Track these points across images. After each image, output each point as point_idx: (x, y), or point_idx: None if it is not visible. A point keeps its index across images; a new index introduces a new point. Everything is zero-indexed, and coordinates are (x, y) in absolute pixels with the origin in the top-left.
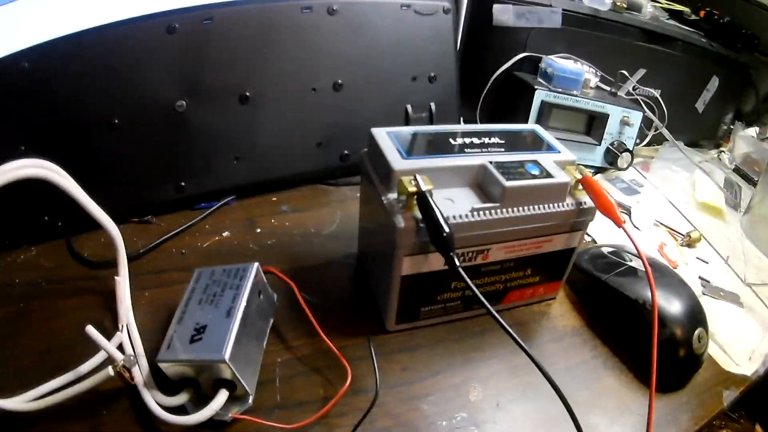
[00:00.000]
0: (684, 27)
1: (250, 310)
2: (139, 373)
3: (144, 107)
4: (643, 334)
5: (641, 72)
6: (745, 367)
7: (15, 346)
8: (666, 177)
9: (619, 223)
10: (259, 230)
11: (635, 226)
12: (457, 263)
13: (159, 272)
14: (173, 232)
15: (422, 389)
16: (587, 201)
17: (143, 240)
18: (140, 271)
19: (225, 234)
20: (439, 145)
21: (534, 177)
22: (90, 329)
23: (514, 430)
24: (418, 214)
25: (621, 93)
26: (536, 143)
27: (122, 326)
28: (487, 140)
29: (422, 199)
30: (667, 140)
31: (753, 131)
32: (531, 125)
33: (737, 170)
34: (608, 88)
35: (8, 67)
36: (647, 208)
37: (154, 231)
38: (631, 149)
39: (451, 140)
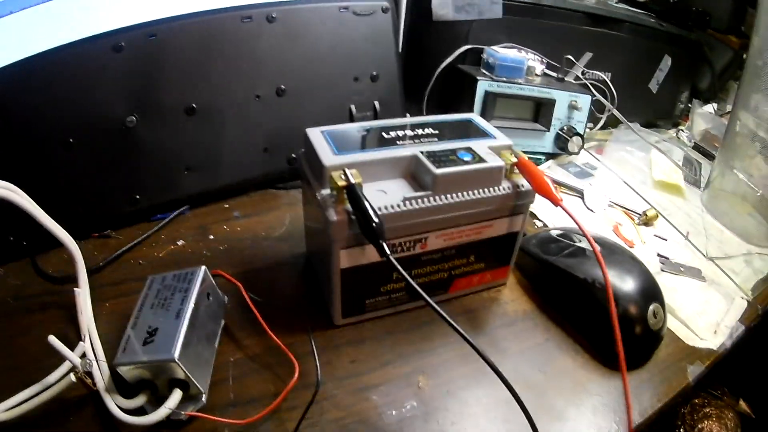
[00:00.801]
0: (632, 9)
1: (199, 311)
2: (101, 379)
3: (96, 125)
4: (595, 313)
5: (588, 56)
6: (711, 340)
7: None
8: (621, 159)
9: (556, 202)
10: (212, 237)
11: (589, 209)
12: (388, 252)
13: (118, 283)
14: (130, 245)
15: (371, 380)
16: (524, 184)
17: (103, 254)
18: (101, 283)
19: (179, 243)
20: (371, 140)
21: (466, 163)
22: (52, 339)
23: (465, 416)
24: (350, 207)
25: (569, 78)
26: (472, 131)
27: (84, 336)
28: (420, 131)
29: (351, 191)
30: (622, 123)
31: (711, 107)
32: (468, 114)
33: (697, 147)
34: (555, 75)
35: None
36: (601, 189)
37: (113, 244)
38: (581, 133)
39: (384, 134)
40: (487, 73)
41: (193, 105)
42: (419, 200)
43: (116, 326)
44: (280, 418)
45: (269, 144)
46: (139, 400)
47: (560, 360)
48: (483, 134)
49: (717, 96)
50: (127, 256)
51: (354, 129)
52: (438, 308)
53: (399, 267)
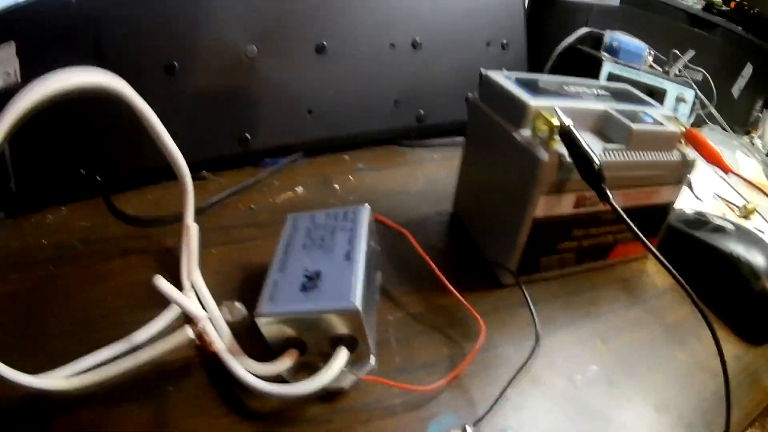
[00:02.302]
0: (717, 16)
1: (369, 257)
2: (218, 339)
3: (207, 49)
4: (739, 288)
5: (691, 53)
6: None
7: (43, 318)
8: None
9: (727, 170)
10: (337, 186)
11: (697, 197)
12: (610, 195)
13: (226, 229)
14: (239, 186)
15: (551, 344)
16: (689, 153)
17: (202, 196)
18: (203, 226)
19: (299, 190)
20: (556, 90)
21: (650, 124)
22: (159, 280)
23: (650, 382)
24: (560, 149)
25: (672, 72)
26: (635, 99)
27: (189, 284)
28: (596, 91)
29: (567, 133)
30: (707, 123)
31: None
32: (622, 84)
33: None
34: (659, 67)
35: (53, 3)
36: (706, 179)
37: (212, 188)
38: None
39: (565, 87)
40: (608, 55)
41: (324, 43)
42: (616, 152)
43: (227, 278)
44: (463, 386)
45: (400, 97)
46: (284, 363)
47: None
48: (646, 103)
49: None
50: (233, 200)
51: (536, 76)
52: (650, 246)
53: (620, 211)
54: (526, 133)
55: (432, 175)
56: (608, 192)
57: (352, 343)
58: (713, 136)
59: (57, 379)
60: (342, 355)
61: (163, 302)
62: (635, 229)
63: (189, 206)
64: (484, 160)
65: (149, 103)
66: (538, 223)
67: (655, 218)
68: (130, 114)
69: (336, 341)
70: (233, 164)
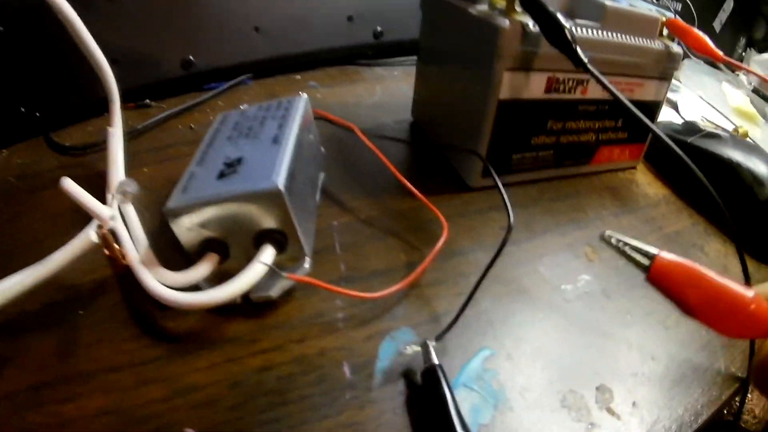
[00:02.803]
0: None
1: (302, 146)
2: (134, 250)
3: None
4: (741, 197)
5: None
6: None
7: None
8: (699, 82)
9: (718, 58)
10: None
11: (683, 118)
12: (585, 59)
13: (162, 148)
14: (179, 108)
15: (532, 250)
16: (673, 46)
17: (141, 122)
18: (138, 149)
19: (243, 107)
20: None
21: (628, 6)
22: (66, 181)
23: (654, 298)
24: (522, 19)
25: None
26: None
27: (111, 195)
28: None
29: None
30: (689, 56)
31: (766, 56)
32: None
33: (755, 91)
34: None
35: None
36: (692, 104)
37: (154, 114)
38: None
39: None
40: None
41: None
42: (589, 29)
43: (157, 194)
44: (423, 295)
45: (354, 12)
46: (201, 269)
47: (714, 242)
48: None
49: None
50: (173, 122)
51: None
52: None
53: (597, 73)
54: (482, 7)
55: (391, 88)
56: (581, 54)
57: (279, 239)
58: (698, 68)
59: None
60: (267, 253)
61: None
62: (618, 94)
63: (115, 112)
64: (441, 53)
65: (88, 25)
66: (505, 105)
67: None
68: (67, 45)
69: (261, 238)
70: (177, 90)
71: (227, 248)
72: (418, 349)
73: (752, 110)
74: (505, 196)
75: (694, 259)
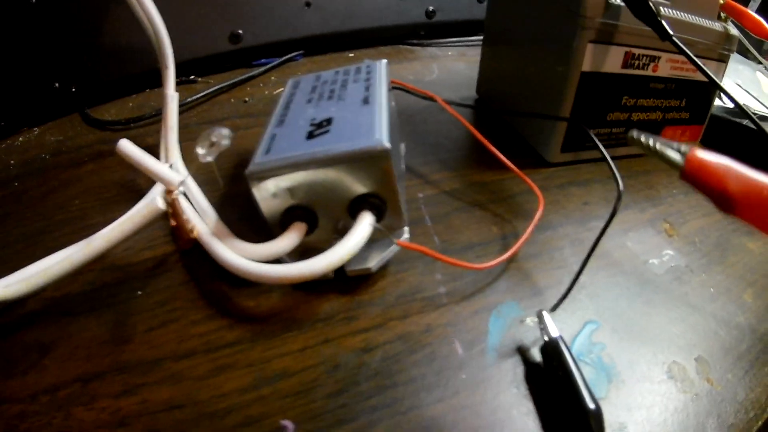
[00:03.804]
0: None
1: (390, 110)
2: (200, 220)
3: None
4: None
5: None
6: None
7: (1, 236)
8: (735, 70)
9: None
10: None
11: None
12: (671, 31)
13: (214, 122)
14: (230, 82)
15: (617, 225)
16: (732, 28)
17: (189, 96)
18: (188, 122)
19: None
20: None
21: None
22: (124, 143)
23: (731, 273)
24: None
25: None
26: None
27: (170, 165)
28: None
29: None
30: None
31: None
32: None
33: None
34: None
35: None
36: (731, 91)
37: (202, 88)
38: None
39: None
40: None
41: None
42: (663, 6)
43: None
44: (521, 269)
45: None
46: (288, 239)
47: None
48: None
49: None
50: (223, 97)
51: None
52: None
53: (682, 46)
54: None
55: (449, 67)
56: (668, 27)
57: (378, 205)
58: (732, 57)
59: None
60: (366, 220)
61: (140, 196)
62: (698, 62)
63: (170, 76)
64: (513, 26)
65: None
66: (587, 78)
67: (700, 98)
68: (103, 17)
69: (356, 206)
70: (225, 65)
71: (316, 217)
72: (534, 318)
73: None
74: (613, 166)
75: (758, 238)
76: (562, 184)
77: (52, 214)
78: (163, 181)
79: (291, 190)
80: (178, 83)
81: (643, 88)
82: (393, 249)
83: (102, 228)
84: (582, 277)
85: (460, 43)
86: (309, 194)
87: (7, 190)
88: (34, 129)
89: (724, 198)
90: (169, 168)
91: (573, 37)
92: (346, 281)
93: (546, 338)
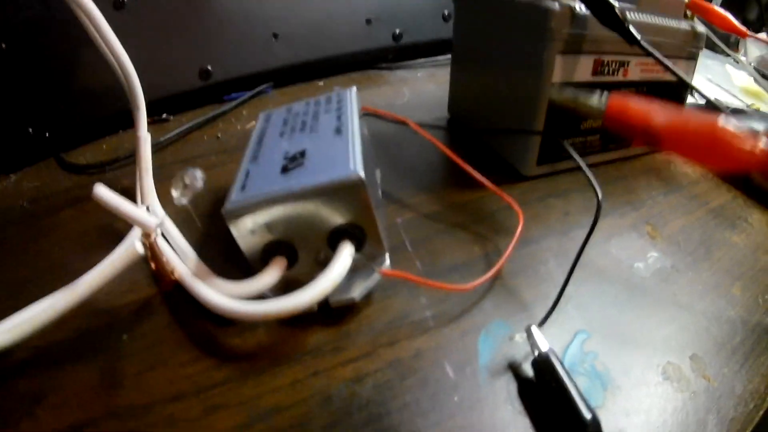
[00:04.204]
0: None
1: (363, 139)
2: (182, 263)
3: None
4: None
5: None
6: None
7: None
8: (704, 65)
9: (742, 34)
10: None
11: (696, 100)
12: (638, 36)
13: (189, 159)
14: (203, 118)
15: (598, 233)
16: (698, 26)
17: (161, 135)
18: (163, 162)
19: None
20: None
21: None
22: (99, 188)
23: (718, 269)
24: (568, 1)
25: None
26: None
27: (146, 207)
28: None
29: None
30: None
31: (762, 35)
32: None
33: (756, 70)
34: None
35: None
36: (702, 87)
37: (173, 127)
38: None
39: None
40: None
41: None
42: (629, 11)
43: (191, 205)
44: (506, 286)
45: (372, 14)
46: (270, 275)
47: (756, 213)
48: None
49: (766, 26)
50: (196, 134)
51: None
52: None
53: (651, 49)
54: None
55: (419, 89)
56: (635, 32)
57: (357, 235)
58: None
59: None
60: (346, 251)
61: (119, 239)
62: (667, 63)
63: (141, 119)
64: (481, 43)
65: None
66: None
67: (672, 98)
68: (73, 61)
69: (336, 237)
70: (196, 102)
71: (295, 251)
72: (522, 334)
73: (758, 88)
74: (590, 176)
75: (740, 231)
76: (541, 197)
77: (35, 262)
78: (139, 224)
79: (269, 226)
80: (150, 122)
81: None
82: (376, 277)
83: (84, 274)
84: (568, 288)
85: (428, 64)
86: (287, 229)
87: None
88: (10, 176)
89: (649, 134)
90: (146, 211)
91: (542, 51)
92: (330, 312)
93: (536, 353)
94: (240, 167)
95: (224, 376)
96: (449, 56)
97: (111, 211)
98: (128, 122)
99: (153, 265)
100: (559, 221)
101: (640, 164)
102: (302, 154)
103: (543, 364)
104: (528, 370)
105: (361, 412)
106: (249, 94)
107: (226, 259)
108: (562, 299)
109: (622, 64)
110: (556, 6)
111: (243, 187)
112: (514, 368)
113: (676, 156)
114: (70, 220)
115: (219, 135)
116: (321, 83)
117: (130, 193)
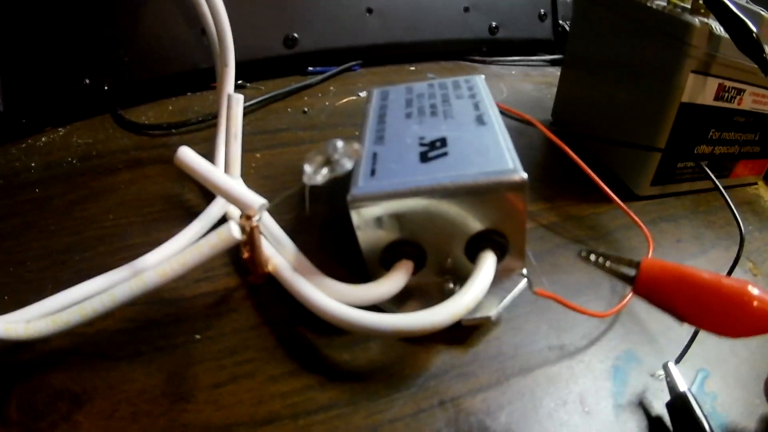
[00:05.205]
0: None
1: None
2: (278, 255)
3: None
4: None
5: None
6: None
7: (20, 249)
8: None
9: None
10: None
11: None
12: None
13: (273, 132)
14: (286, 89)
15: (709, 264)
16: None
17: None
18: (243, 132)
19: (362, 94)
20: None
21: None
22: (186, 151)
23: None
24: (705, 19)
25: None
26: None
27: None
28: None
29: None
30: None
31: None
32: None
33: None
34: None
35: None
36: None
37: (253, 96)
38: None
39: None
40: None
41: None
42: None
43: (277, 183)
44: (630, 314)
45: (472, 2)
46: (391, 284)
47: None
48: None
49: None
50: (279, 105)
51: None
52: None
53: None
54: (661, 2)
55: (516, 87)
56: None
57: (501, 244)
58: None
59: (11, 324)
60: (490, 261)
61: (187, 216)
62: None
63: (229, 75)
64: (601, 49)
65: None
66: (685, 109)
67: None
68: (143, 9)
69: (476, 244)
70: (276, 71)
71: (425, 255)
72: (662, 374)
73: None
74: (730, 202)
75: None
76: (653, 220)
77: (81, 228)
78: (239, 203)
79: (400, 222)
80: None
81: (728, 121)
82: (514, 294)
83: (144, 250)
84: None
85: (521, 62)
86: (420, 228)
87: (27, 195)
88: (59, 129)
89: (678, 317)
90: (248, 189)
91: (677, 66)
92: (450, 331)
93: (673, 392)
94: (362, 147)
95: (329, 399)
96: (543, 57)
97: (198, 180)
98: (197, 84)
99: (246, 253)
100: (673, 248)
101: (734, 196)
102: (442, 141)
103: (680, 405)
104: (659, 407)
105: None
106: (336, 69)
107: (318, 254)
108: (683, 333)
109: (739, 92)
110: (697, 22)
111: (372, 172)
112: (645, 405)
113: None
114: (127, 185)
115: (306, 109)
116: (412, 68)
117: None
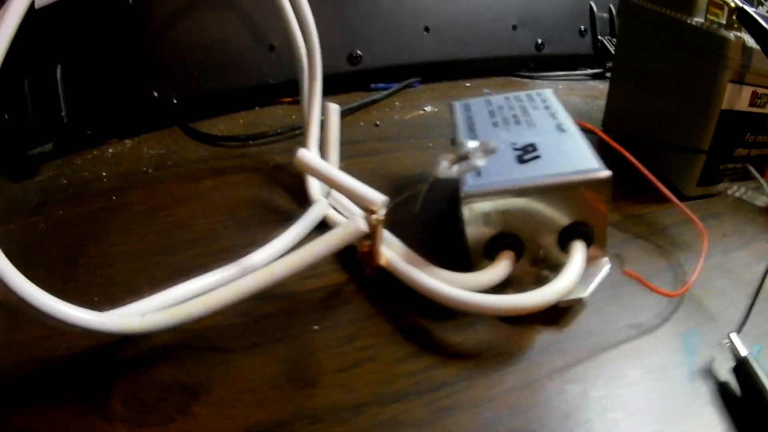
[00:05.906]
0: None
1: None
2: (389, 251)
3: None
4: None
5: None
6: None
7: (104, 252)
8: None
9: None
10: None
11: None
12: None
13: (350, 143)
14: (357, 103)
15: (752, 255)
16: None
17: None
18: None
19: (428, 108)
20: None
21: None
22: (305, 153)
23: None
24: (738, 34)
25: None
26: None
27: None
28: None
29: (745, 12)
30: None
31: None
32: None
33: None
34: None
35: None
36: None
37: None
38: None
39: None
40: None
41: None
42: None
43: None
44: (690, 297)
45: (519, 21)
46: (498, 272)
47: None
48: None
49: None
50: (350, 119)
51: None
52: None
53: None
54: (699, 19)
55: (563, 100)
56: None
57: (588, 234)
58: None
59: (127, 317)
60: (581, 250)
61: (281, 219)
62: None
63: (317, 88)
64: (646, 61)
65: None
66: (724, 116)
67: None
68: (213, 22)
69: (568, 235)
70: (341, 87)
71: (523, 246)
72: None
73: None
74: None
75: None
76: (701, 217)
77: (170, 232)
78: (365, 199)
79: (506, 216)
80: (290, 102)
81: (762, 125)
82: (600, 277)
83: (243, 251)
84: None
85: (566, 77)
86: (521, 221)
87: (103, 202)
88: (126, 140)
89: None
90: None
91: (716, 77)
92: (548, 311)
93: (736, 358)
94: (463, 147)
95: (449, 376)
96: (586, 71)
97: (319, 179)
98: (264, 99)
99: (366, 247)
100: (719, 242)
101: None
102: (533, 146)
103: (744, 368)
104: (725, 374)
105: (598, 415)
106: (399, 85)
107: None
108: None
109: None
110: (732, 36)
111: (478, 174)
112: (713, 372)
113: None
114: (212, 191)
115: (378, 123)
116: (468, 84)
117: (288, 170)
